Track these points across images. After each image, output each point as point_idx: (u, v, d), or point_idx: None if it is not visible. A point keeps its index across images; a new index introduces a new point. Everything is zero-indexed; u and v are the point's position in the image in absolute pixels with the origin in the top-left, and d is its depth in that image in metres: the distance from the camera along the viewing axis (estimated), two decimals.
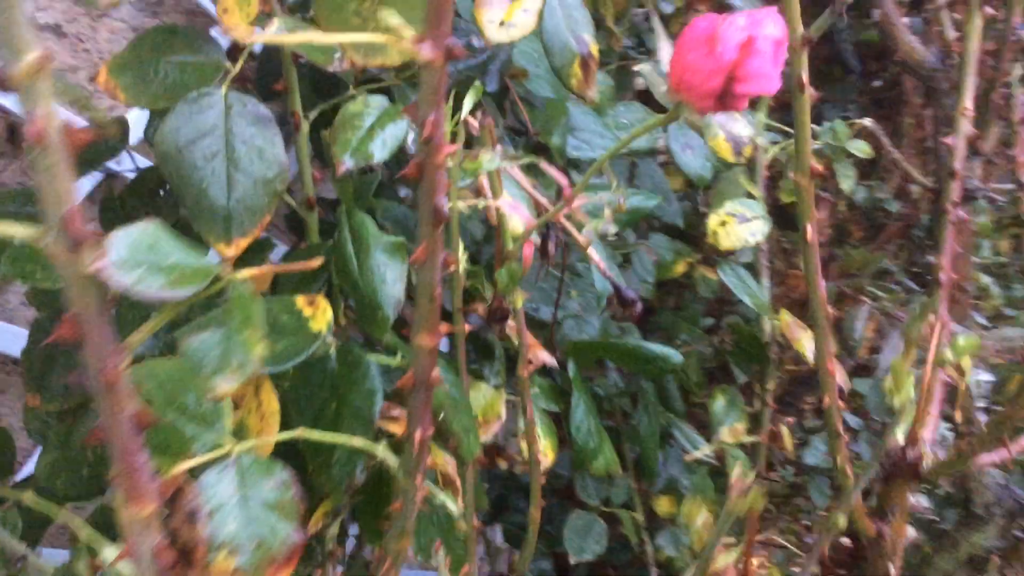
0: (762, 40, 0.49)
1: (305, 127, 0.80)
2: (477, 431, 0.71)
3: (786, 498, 1.60)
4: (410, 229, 0.85)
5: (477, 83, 0.74)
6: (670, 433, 1.30)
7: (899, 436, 0.78)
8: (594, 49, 0.87)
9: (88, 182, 1.03)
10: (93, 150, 0.78)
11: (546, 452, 0.92)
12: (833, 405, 0.78)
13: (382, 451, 0.61)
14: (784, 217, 1.73)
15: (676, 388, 1.32)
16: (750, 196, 1.12)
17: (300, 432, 0.59)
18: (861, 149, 1.22)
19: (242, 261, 0.79)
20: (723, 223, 1.08)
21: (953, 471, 0.83)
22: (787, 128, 1.22)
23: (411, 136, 0.76)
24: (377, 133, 0.72)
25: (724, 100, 0.50)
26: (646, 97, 1.33)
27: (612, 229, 0.66)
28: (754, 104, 1.18)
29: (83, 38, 1.07)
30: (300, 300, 0.67)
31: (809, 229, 0.73)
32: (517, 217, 0.63)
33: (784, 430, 1.31)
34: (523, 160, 0.64)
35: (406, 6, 0.66)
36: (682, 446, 1.29)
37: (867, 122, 1.23)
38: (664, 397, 1.32)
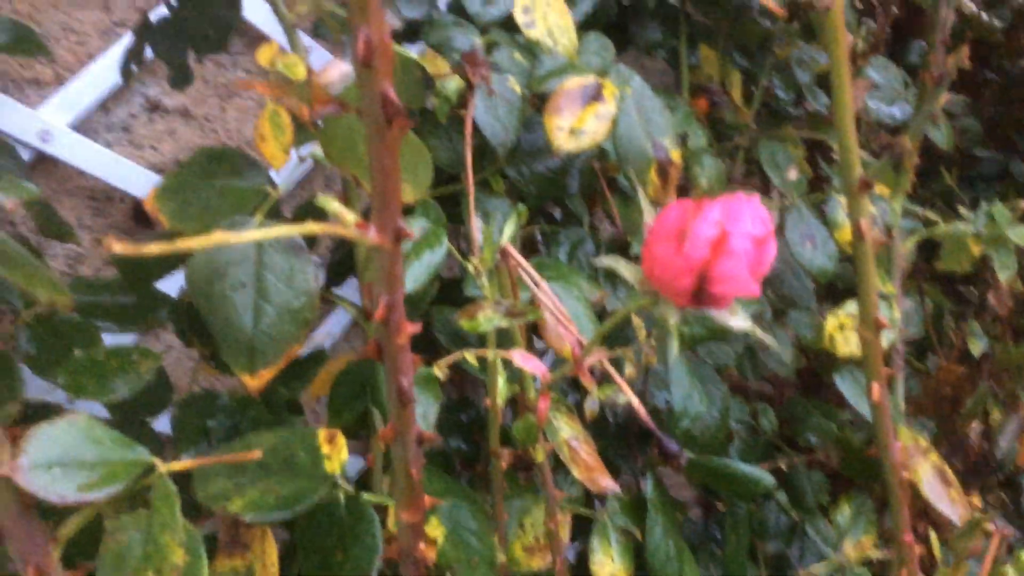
0: (736, 238, 0.42)
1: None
2: None
3: None
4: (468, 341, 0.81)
5: (521, 207, 0.70)
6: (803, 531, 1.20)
7: None
8: (675, 155, 0.80)
9: None
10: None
11: None
12: None
13: None
14: (945, 285, 1.56)
15: (807, 482, 1.21)
16: (881, 295, 1.01)
17: None
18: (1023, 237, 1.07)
19: (292, 372, 0.79)
20: (841, 326, 0.97)
21: None
22: (930, 215, 1.10)
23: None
24: (412, 261, 0.69)
25: (701, 299, 0.44)
26: None
27: (622, 400, 0.59)
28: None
29: (211, 118, 1.10)
30: (322, 435, 0.65)
31: (876, 388, 0.64)
32: (530, 369, 0.58)
33: (935, 540, 1.18)
34: (526, 317, 0.59)
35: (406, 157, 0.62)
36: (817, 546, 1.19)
37: None
38: (795, 493, 1.22)
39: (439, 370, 0.65)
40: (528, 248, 1.09)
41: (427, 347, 0.84)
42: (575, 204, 0.93)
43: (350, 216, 0.40)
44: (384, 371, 0.46)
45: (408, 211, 0.83)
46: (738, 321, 0.46)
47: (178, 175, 0.71)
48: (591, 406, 0.61)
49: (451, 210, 0.81)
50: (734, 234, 0.42)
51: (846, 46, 0.54)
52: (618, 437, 1.12)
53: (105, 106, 1.00)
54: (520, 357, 0.59)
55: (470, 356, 0.64)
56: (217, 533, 0.66)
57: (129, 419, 0.78)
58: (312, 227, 0.41)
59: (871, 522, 1.08)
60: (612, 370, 0.67)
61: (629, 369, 0.64)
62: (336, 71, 0.56)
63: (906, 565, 0.68)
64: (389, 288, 0.43)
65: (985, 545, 0.67)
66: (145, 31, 0.76)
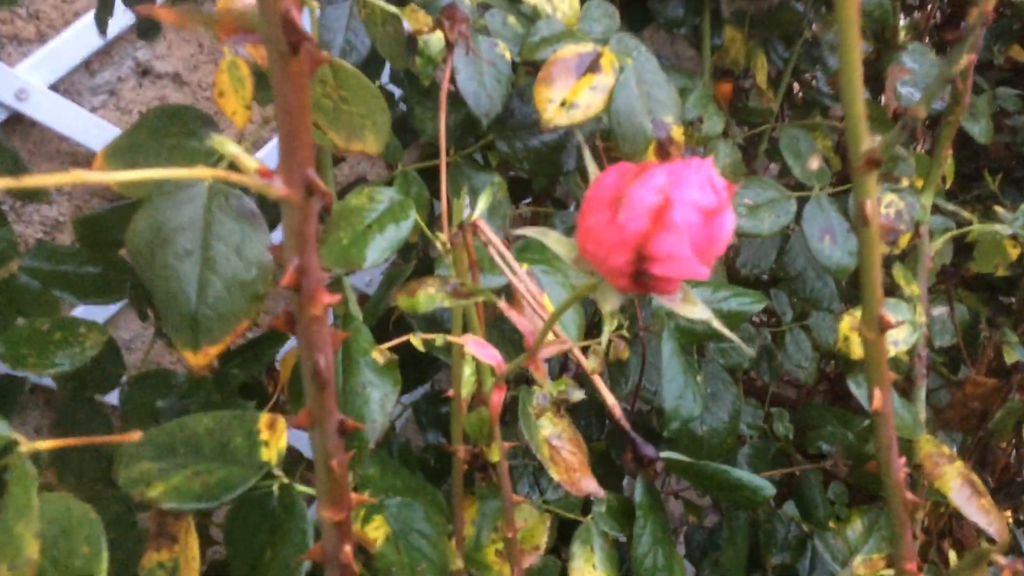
0: (681, 207, 0.34)
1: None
2: None
3: None
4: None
5: (497, 180, 0.63)
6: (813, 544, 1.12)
7: None
8: (677, 134, 0.73)
9: None
10: None
11: None
12: None
13: None
14: (984, 291, 1.47)
15: (819, 493, 1.13)
16: (906, 297, 0.92)
17: None
18: None
19: (247, 352, 0.73)
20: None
21: None
22: (963, 211, 1.01)
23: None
24: (374, 235, 0.62)
25: (642, 281, 0.36)
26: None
27: (578, 395, 0.52)
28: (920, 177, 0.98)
29: (205, 85, 1.04)
30: (262, 420, 0.59)
31: (877, 395, 0.56)
32: (484, 358, 0.52)
33: (954, 560, 1.09)
34: (474, 299, 0.52)
35: (362, 104, 0.56)
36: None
37: None
38: (804, 504, 1.14)
39: (378, 354, 0.58)
40: None
41: (402, 332, 0.78)
42: (571, 184, 0.86)
43: (251, 162, 0.34)
44: (299, 346, 0.40)
45: (388, 182, 0.77)
46: (692, 310, 0.39)
47: (130, 134, 0.65)
48: (540, 401, 0.53)
49: (434, 183, 0.75)
50: (677, 203, 0.34)
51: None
52: (619, 435, 1.05)
53: (90, 67, 0.95)
54: (473, 344, 0.52)
55: (416, 341, 0.57)
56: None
57: (77, 395, 0.73)
58: (202, 172, 0.35)
59: (884, 538, 1.00)
60: (583, 360, 0.60)
61: (593, 363, 0.56)
62: None
63: None
64: (299, 249, 0.37)
65: None
66: None
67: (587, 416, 1.07)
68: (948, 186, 1.12)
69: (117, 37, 0.94)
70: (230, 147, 0.35)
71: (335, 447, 0.45)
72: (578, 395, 0.51)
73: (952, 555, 1.11)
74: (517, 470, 0.88)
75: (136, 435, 0.46)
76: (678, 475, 0.86)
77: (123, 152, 0.64)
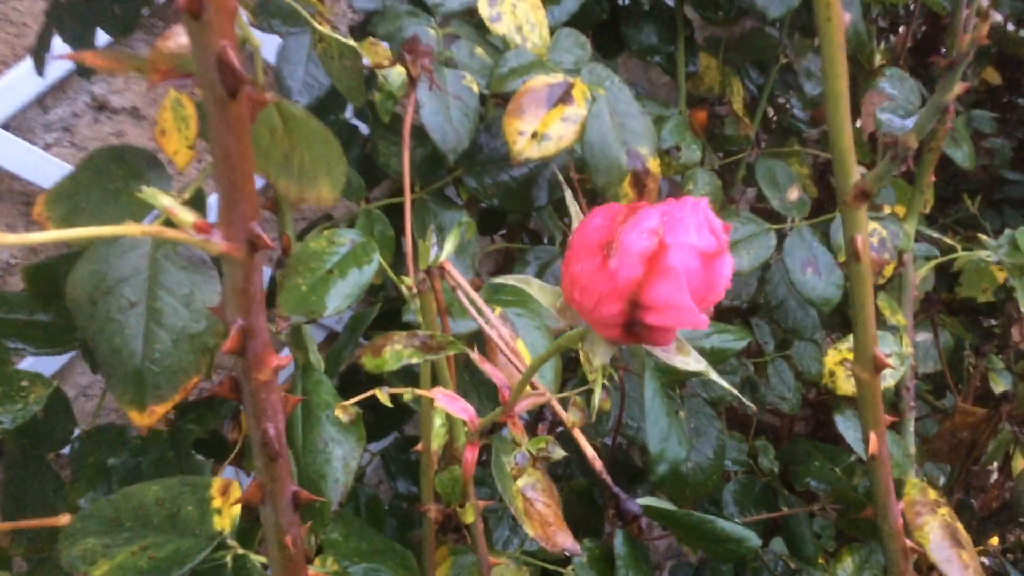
0: (677, 252, 0.30)
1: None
2: None
3: None
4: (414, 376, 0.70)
5: (465, 219, 0.59)
6: None
7: None
8: (653, 165, 0.69)
9: None
10: None
11: None
12: None
13: None
14: (966, 316, 1.43)
15: (807, 529, 1.09)
16: (891, 327, 0.89)
17: None
18: None
19: (203, 406, 0.69)
20: (843, 361, 0.86)
21: None
22: (948, 240, 0.98)
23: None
24: (335, 280, 0.58)
25: (634, 332, 0.32)
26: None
27: (559, 453, 0.48)
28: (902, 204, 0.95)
29: None
30: (215, 486, 0.54)
31: (873, 440, 0.53)
32: (455, 413, 0.47)
33: None
34: (444, 352, 0.48)
35: (315, 150, 0.52)
36: None
37: None
38: (792, 541, 1.09)
39: (341, 412, 0.54)
40: (504, 269, 0.98)
41: (370, 381, 0.73)
42: (544, 218, 0.82)
43: (187, 215, 0.30)
44: (246, 414, 0.35)
45: (352, 221, 0.73)
46: (687, 361, 0.35)
47: (74, 177, 0.61)
48: (519, 461, 0.49)
49: (400, 222, 0.71)
50: (674, 247, 0.30)
51: (841, 26, 0.43)
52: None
53: (43, 104, 0.90)
54: (444, 399, 0.48)
55: (382, 396, 0.52)
56: None
57: (28, 452, 0.68)
58: (131, 228, 0.30)
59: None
60: (563, 413, 0.56)
61: (573, 417, 0.52)
62: (183, 35, 0.46)
63: None
64: (244, 309, 0.33)
65: None
66: (54, 12, 0.66)
67: (567, 453, 1.03)
68: (928, 210, 1.09)
69: (71, 72, 0.89)
70: (163, 200, 0.31)
71: (289, 522, 0.41)
72: (559, 453, 0.46)
73: None
74: (496, 514, 0.84)
75: (65, 519, 0.41)
76: (660, 523, 0.81)
77: (65, 197, 0.59)
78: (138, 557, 0.51)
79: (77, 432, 0.70)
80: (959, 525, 0.83)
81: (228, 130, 0.29)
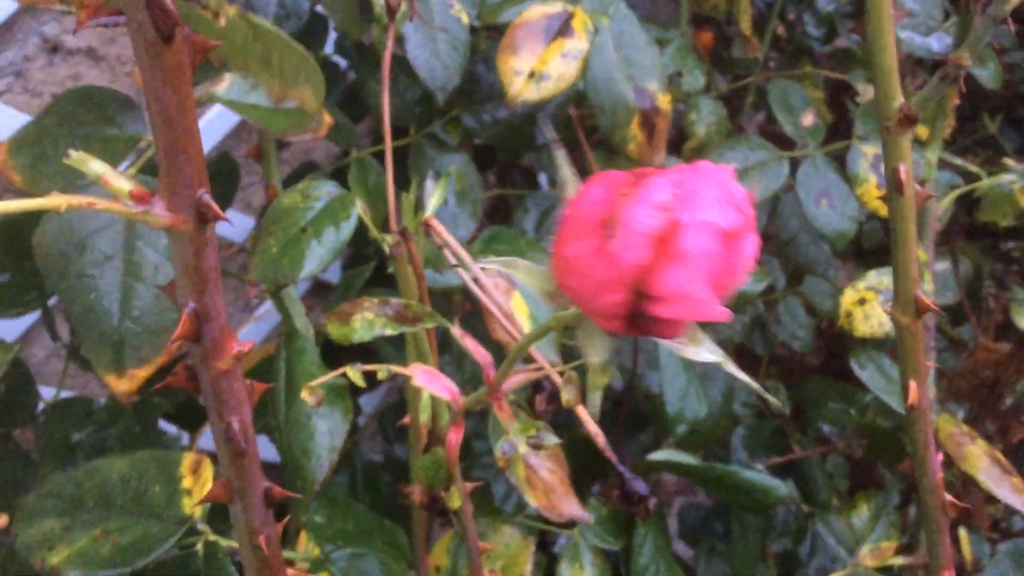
0: (692, 232, 0.27)
1: None
2: None
3: None
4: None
5: (453, 169, 0.57)
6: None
7: None
8: (663, 102, 0.67)
9: None
10: None
11: None
12: None
13: None
14: (986, 240, 1.42)
15: (821, 473, 1.10)
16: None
17: None
18: None
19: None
20: (861, 301, 0.85)
21: None
22: (971, 167, 0.96)
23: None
24: (309, 240, 0.56)
25: (639, 324, 0.30)
26: None
27: (553, 440, 0.46)
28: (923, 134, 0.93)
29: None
30: (185, 462, 0.53)
31: (914, 388, 0.52)
32: (436, 392, 0.46)
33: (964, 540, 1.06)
34: (421, 325, 0.47)
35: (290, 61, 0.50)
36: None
37: None
38: (805, 485, 1.10)
39: (308, 393, 0.51)
40: (500, 215, 0.96)
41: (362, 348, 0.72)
42: (544, 157, 0.81)
43: (122, 183, 0.28)
44: (207, 407, 0.34)
45: (337, 170, 0.71)
46: (700, 352, 0.33)
47: (38, 122, 0.59)
48: (506, 451, 0.47)
49: (397, 169, 0.69)
50: (689, 227, 0.27)
51: None
52: (604, 421, 1.00)
53: None
54: (423, 376, 0.46)
55: (353, 375, 0.50)
56: None
57: None
58: (58, 200, 0.29)
59: (893, 524, 0.97)
60: (560, 382, 0.55)
61: (567, 396, 0.50)
62: None
63: None
64: (196, 288, 0.31)
65: None
66: None
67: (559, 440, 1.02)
68: (948, 131, 1.07)
69: (19, 11, 0.86)
70: (94, 166, 0.29)
71: (262, 522, 0.39)
72: (552, 440, 0.45)
73: (963, 535, 1.09)
74: (492, 469, 0.83)
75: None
76: (681, 477, 0.81)
77: (30, 144, 0.58)
78: (100, 543, 0.50)
79: (42, 406, 0.68)
80: (998, 453, 0.83)
81: (163, 81, 0.26)
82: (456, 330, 0.44)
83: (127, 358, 0.54)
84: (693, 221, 0.27)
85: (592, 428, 0.50)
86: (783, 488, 0.78)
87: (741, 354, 1.35)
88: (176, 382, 0.33)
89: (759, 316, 1.17)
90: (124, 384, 0.55)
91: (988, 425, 1.11)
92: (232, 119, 0.95)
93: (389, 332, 0.46)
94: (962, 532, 1.07)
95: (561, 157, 0.34)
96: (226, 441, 0.34)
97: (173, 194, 0.29)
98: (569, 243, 0.30)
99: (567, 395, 0.43)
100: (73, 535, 0.49)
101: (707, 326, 0.90)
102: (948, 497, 0.56)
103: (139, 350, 0.55)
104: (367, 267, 0.68)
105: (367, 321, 0.47)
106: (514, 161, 0.93)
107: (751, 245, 0.29)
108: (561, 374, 0.48)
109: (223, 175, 0.72)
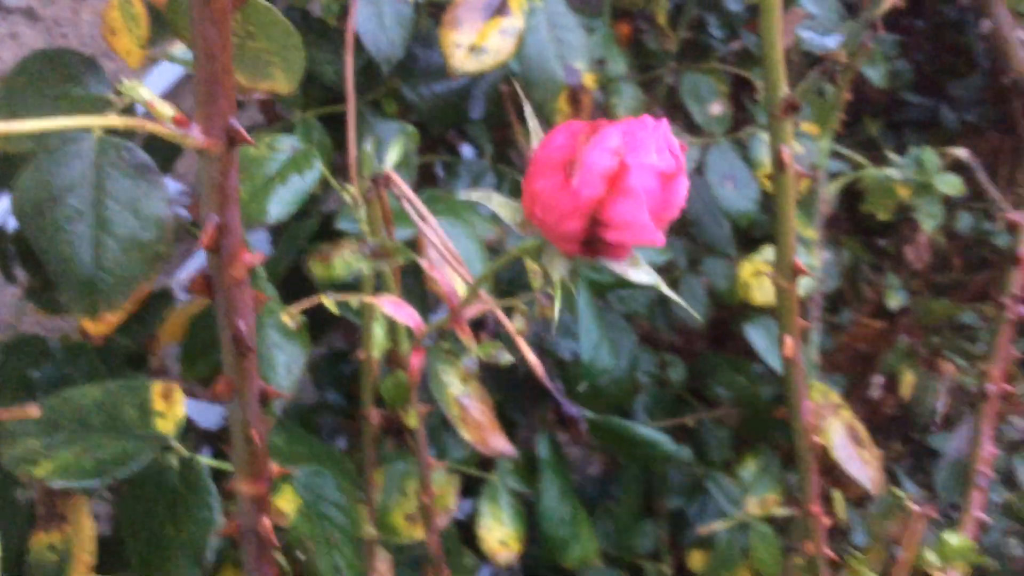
0: (638, 172, 0.35)
1: None
2: (355, 568, 0.61)
3: None
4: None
5: (410, 129, 0.63)
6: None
7: None
8: (588, 80, 0.74)
9: None
10: None
11: (510, 543, 0.82)
12: (819, 554, 0.64)
13: None
14: (863, 237, 1.54)
15: (713, 437, 1.19)
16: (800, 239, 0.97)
17: None
18: (951, 185, 1.04)
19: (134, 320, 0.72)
20: (757, 273, 0.93)
21: None
22: (859, 158, 1.06)
23: None
24: (276, 187, 0.61)
25: (593, 247, 0.37)
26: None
27: (507, 358, 0.53)
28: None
29: (61, 21, 0.99)
30: (155, 389, 0.58)
31: (789, 343, 0.60)
32: (402, 319, 0.52)
33: (839, 501, 1.16)
34: (395, 259, 0.53)
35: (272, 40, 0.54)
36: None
37: (962, 153, 1.05)
38: (698, 446, 1.19)
39: (288, 318, 0.57)
40: (427, 181, 1.02)
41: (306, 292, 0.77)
42: (478, 132, 0.86)
43: (167, 109, 0.33)
44: (217, 312, 0.39)
45: (288, 129, 0.75)
46: (640, 274, 0.40)
47: (8, 82, 0.62)
48: (468, 366, 0.54)
49: (340, 135, 0.74)
50: (635, 167, 0.35)
51: None
52: (518, 390, 1.07)
53: None
54: (390, 304, 0.53)
55: (329, 303, 0.56)
56: None
57: None
58: (113, 120, 0.34)
59: (777, 479, 1.06)
60: (506, 321, 0.61)
61: (519, 322, 0.57)
62: None
63: (812, 537, 0.64)
64: (220, 205, 0.36)
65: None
66: None
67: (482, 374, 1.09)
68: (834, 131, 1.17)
69: None
70: (143, 92, 0.34)
71: (256, 417, 0.45)
72: (507, 358, 0.51)
73: (836, 496, 1.19)
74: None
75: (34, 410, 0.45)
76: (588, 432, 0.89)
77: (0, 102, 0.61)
78: (81, 457, 0.54)
79: None
80: (860, 426, 0.93)
81: (211, 22, 0.32)
82: (424, 263, 0.50)
83: (100, 303, 0.58)
84: (638, 163, 0.35)
85: (532, 359, 0.56)
86: (670, 443, 0.86)
87: (641, 334, 1.43)
88: (194, 288, 0.38)
89: (661, 294, 1.24)
90: (99, 327, 0.59)
91: (863, 396, 1.22)
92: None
93: (367, 268, 0.52)
94: (836, 494, 1.17)
95: (529, 110, 0.40)
96: (234, 342, 0.39)
97: (208, 120, 0.34)
98: (537, 180, 0.37)
99: (517, 324, 0.50)
100: (55, 451, 0.53)
101: (620, 302, 0.97)
102: (815, 439, 0.63)
103: (111, 296, 0.58)
104: (311, 222, 0.72)
105: (346, 261, 0.52)
106: (443, 137, 0.98)
107: (683, 185, 0.37)
108: (510, 309, 0.55)
109: None
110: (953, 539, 0.60)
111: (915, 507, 0.60)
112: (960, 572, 0.60)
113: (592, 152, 0.35)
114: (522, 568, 1.23)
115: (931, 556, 0.59)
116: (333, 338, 0.96)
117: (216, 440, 0.83)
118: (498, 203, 0.40)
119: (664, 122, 0.36)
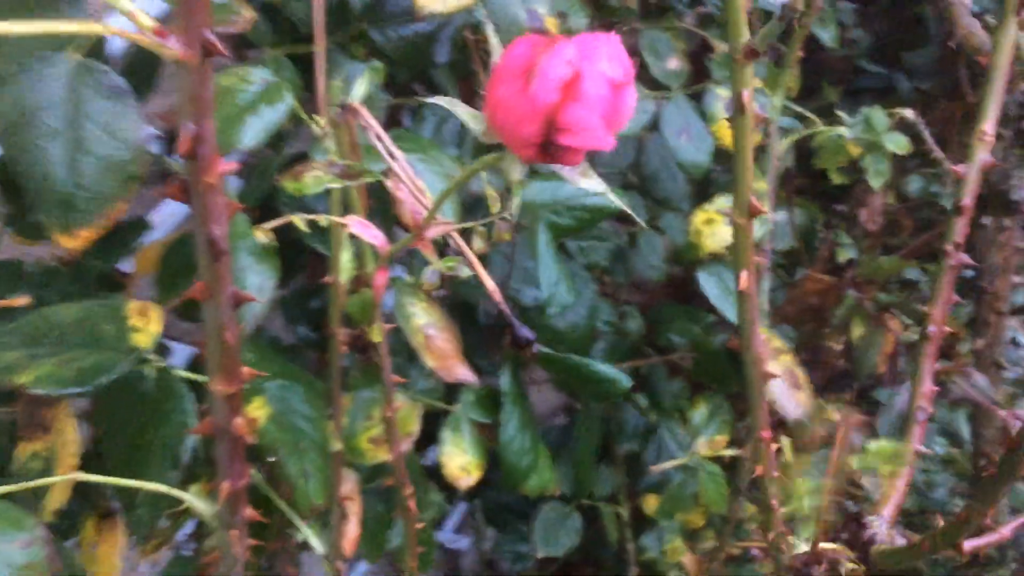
0: (591, 80, 0.38)
1: None
2: (323, 473, 0.64)
3: None
4: None
5: (376, 64, 0.65)
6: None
7: (801, 546, 0.68)
8: (550, 24, 0.77)
9: None
10: None
11: (470, 470, 0.85)
12: (767, 476, 0.68)
13: (190, 498, 0.54)
14: (818, 201, 1.59)
15: (666, 384, 1.23)
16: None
17: (87, 476, 0.52)
18: (899, 144, 1.08)
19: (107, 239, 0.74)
20: (709, 221, 0.97)
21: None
22: (812, 116, 1.10)
23: None
24: (248, 116, 0.64)
25: (549, 152, 0.40)
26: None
27: (467, 272, 0.56)
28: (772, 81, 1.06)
29: None
30: (132, 307, 0.60)
31: (744, 276, 0.63)
32: (368, 238, 0.55)
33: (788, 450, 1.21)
34: (362, 179, 0.55)
35: None
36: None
37: (908, 114, 1.09)
38: (653, 394, 1.23)
39: (262, 233, 0.60)
40: (394, 125, 1.04)
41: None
42: (443, 76, 0.89)
43: (147, 20, 0.36)
44: (192, 217, 0.42)
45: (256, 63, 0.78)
46: (589, 183, 0.43)
47: None
48: (429, 277, 0.57)
49: (309, 75, 0.76)
50: (588, 75, 0.38)
51: None
52: (482, 335, 1.11)
53: None
54: (357, 225, 0.55)
55: (299, 222, 0.59)
56: None
57: None
58: (94, 27, 0.36)
59: (726, 422, 1.11)
60: (463, 245, 0.64)
61: (479, 244, 0.60)
62: None
63: (762, 461, 0.68)
64: (196, 114, 0.39)
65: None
66: None
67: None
68: (794, 96, 1.20)
69: None
70: (125, 3, 0.36)
71: (229, 319, 0.47)
72: (466, 272, 0.54)
73: (786, 443, 1.24)
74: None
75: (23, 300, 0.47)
76: (541, 366, 0.92)
77: None
78: (63, 367, 0.57)
79: None
80: (800, 373, 0.98)
81: None
82: (389, 183, 0.53)
83: (75, 219, 0.61)
84: (591, 71, 0.38)
85: (490, 285, 0.59)
86: (626, 380, 0.90)
87: (600, 287, 1.47)
88: (170, 193, 0.41)
89: (621, 248, 1.29)
90: (73, 242, 0.61)
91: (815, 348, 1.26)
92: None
93: (335, 185, 0.54)
94: (785, 440, 1.22)
95: (490, 28, 0.43)
96: (208, 245, 0.42)
97: (186, 32, 0.36)
98: (498, 88, 0.40)
99: (477, 244, 0.53)
100: (38, 361, 0.56)
101: (581, 253, 1.00)
102: (765, 368, 0.67)
103: (87, 213, 0.61)
104: (280, 156, 0.75)
105: (317, 178, 0.55)
106: (408, 85, 1.01)
107: (631, 96, 0.40)
108: (470, 231, 0.58)
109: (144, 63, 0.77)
110: (874, 445, 0.64)
111: (838, 415, 0.64)
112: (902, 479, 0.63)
113: (549, 61, 0.38)
114: (482, 506, 1.27)
115: (854, 460, 0.63)
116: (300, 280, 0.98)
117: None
118: (463, 112, 0.43)
119: (616, 36, 0.40)
